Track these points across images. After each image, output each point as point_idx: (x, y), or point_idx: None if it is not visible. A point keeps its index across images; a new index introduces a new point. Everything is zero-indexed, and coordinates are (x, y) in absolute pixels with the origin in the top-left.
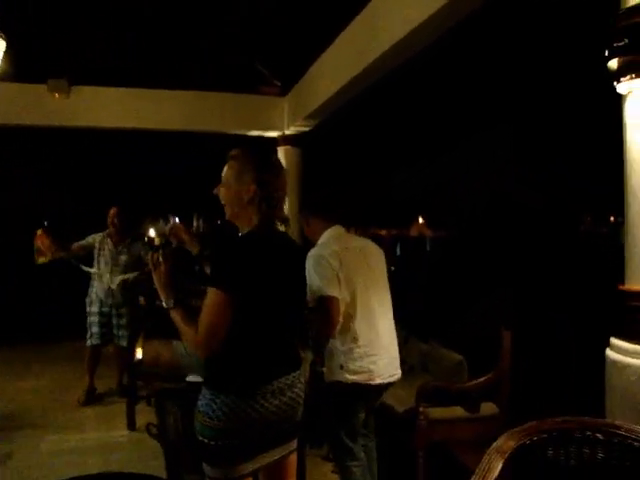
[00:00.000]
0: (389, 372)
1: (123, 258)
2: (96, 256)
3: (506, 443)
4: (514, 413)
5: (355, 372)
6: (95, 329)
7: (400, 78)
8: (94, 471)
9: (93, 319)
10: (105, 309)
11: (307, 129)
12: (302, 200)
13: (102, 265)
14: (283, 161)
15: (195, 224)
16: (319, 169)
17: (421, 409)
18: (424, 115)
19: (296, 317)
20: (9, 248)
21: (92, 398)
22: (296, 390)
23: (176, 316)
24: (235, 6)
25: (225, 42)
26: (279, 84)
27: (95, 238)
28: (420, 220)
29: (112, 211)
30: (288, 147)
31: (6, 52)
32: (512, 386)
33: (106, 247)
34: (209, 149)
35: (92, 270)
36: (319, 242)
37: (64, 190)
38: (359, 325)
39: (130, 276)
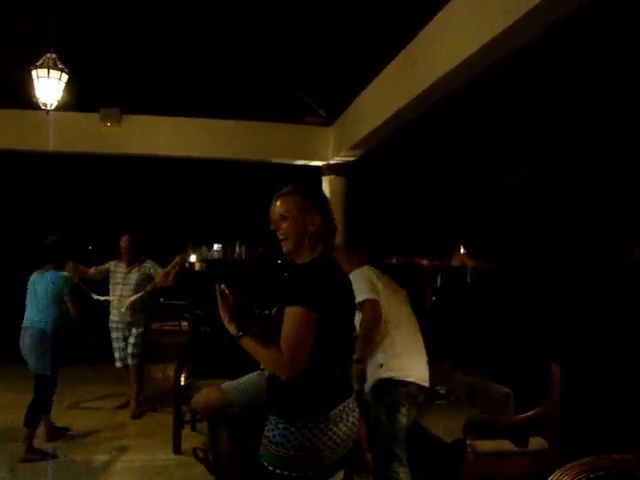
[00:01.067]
0: (422, 377)
1: (133, 277)
2: (111, 280)
3: (561, 479)
4: (564, 448)
5: (391, 369)
6: (117, 354)
7: (445, 109)
8: None
9: (115, 345)
10: (120, 335)
11: (352, 159)
12: (348, 235)
13: (115, 288)
14: (327, 190)
15: (237, 250)
16: (363, 198)
17: (469, 442)
18: (467, 145)
19: (351, 343)
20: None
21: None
22: (355, 414)
23: (249, 342)
24: (282, 38)
25: (272, 73)
26: (324, 114)
27: (111, 263)
28: (462, 250)
29: (123, 238)
30: (332, 176)
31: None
32: (562, 421)
33: (119, 269)
34: (251, 180)
35: (102, 298)
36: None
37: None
38: (397, 331)
39: (136, 297)
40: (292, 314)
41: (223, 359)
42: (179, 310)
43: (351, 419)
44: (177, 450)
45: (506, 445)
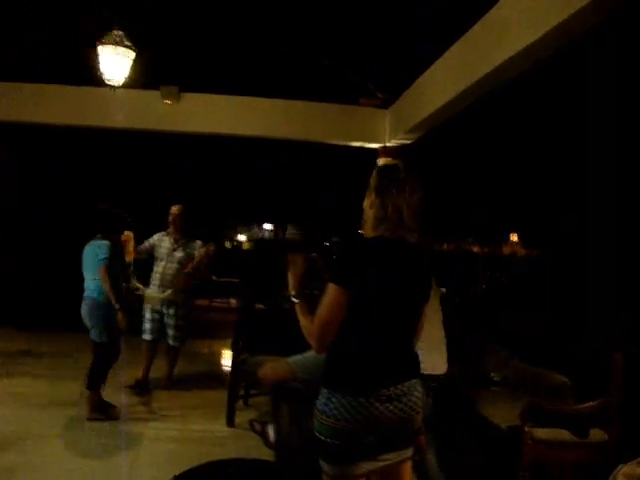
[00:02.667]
0: (434, 367)
1: (178, 255)
2: (154, 253)
3: (634, 470)
4: (625, 441)
5: None
6: (147, 325)
7: (505, 94)
8: (196, 461)
9: (148, 316)
10: (157, 307)
11: (408, 142)
12: None
13: (158, 262)
14: None
15: (289, 231)
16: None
17: (527, 429)
18: (525, 131)
19: (416, 325)
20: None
21: (144, 389)
22: (413, 398)
23: (299, 308)
24: (342, 19)
25: (331, 54)
26: (382, 96)
27: (155, 237)
28: (514, 238)
29: (175, 209)
30: (388, 159)
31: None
32: (624, 412)
33: (164, 244)
34: (305, 160)
35: (141, 289)
36: None
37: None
38: None
39: (169, 292)
40: (327, 291)
41: (276, 335)
42: (229, 287)
43: (406, 401)
44: (231, 423)
45: (564, 435)
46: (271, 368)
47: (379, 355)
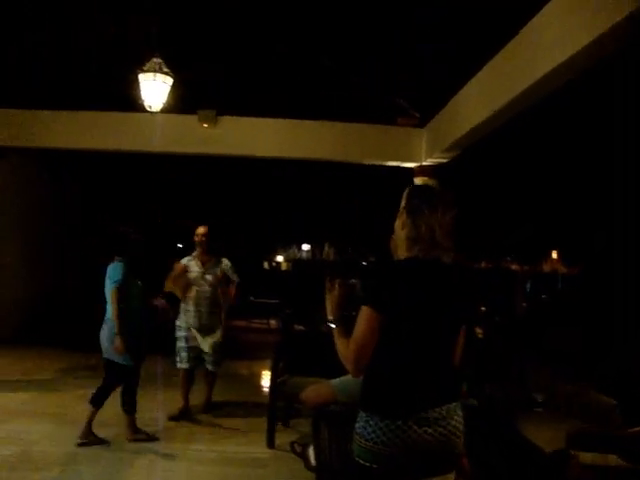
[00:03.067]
0: None
1: (208, 278)
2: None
3: None
4: None
5: None
6: (184, 354)
7: (542, 110)
8: None
9: (181, 345)
10: (193, 335)
11: (444, 160)
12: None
13: (190, 289)
14: None
15: (326, 250)
16: (457, 202)
17: (573, 453)
18: (564, 148)
19: (455, 347)
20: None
21: (185, 417)
22: (453, 422)
23: (337, 333)
24: (377, 39)
25: (366, 74)
26: (418, 115)
27: (183, 261)
28: (554, 255)
29: (201, 230)
30: (425, 178)
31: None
32: None
33: (193, 269)
34: (342, 181)
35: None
36: None
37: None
38: None
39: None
40: (361, 313)
41: (315, 356)
42: (268, 308)
43: (447, 425)
44: (271, 444)
45: (611, 460)
46: (313, 390)
47: (415, 378)
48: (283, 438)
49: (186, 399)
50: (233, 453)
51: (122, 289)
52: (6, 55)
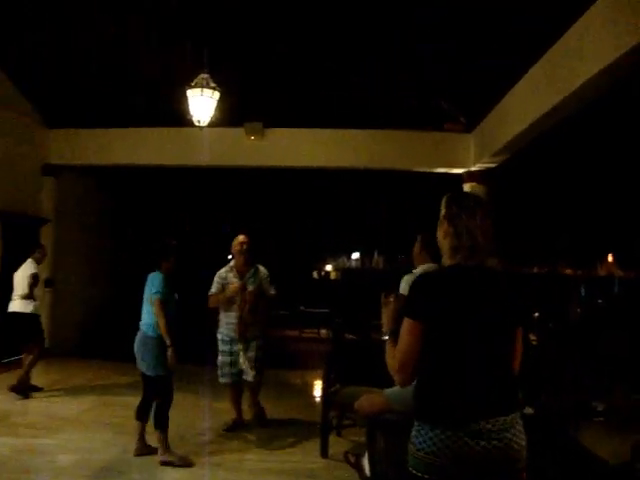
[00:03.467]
0: None
1: (250, 288)
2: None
3: None
4: None
5: None
6: (226, 369)
7: (591, 111)
8: None
9: (224, 359)
10: (235, 348)
11: (493, 165)
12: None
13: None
14: None
15: (375, 259)
16: (505, 206)
17: (639, 466)
18: (616, 149)
19: (511, 355)
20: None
21: (239, 428)
22: (508, 435)
23: (388, 344)
24: (421, 46)
25: (410, 81)
26: (464, 120)
27: (220, 275)
28: (609, 259)
29: (241, 238)
30: (474, 184)
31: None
32: None
33: (232, 280)
34: (391, 189)
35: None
36: (415, 270)
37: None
38: None
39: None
40: (403, 324)
41: (367, 366)
42: (318, 318)
43: (503, 438)
44: (324, 454)
45: None
46: (367, 400)
47: (465, 387)
48: (336, 448)
49: (238, 410)
50: (287, 463)
51: (164, 300)
52: (60, 77)
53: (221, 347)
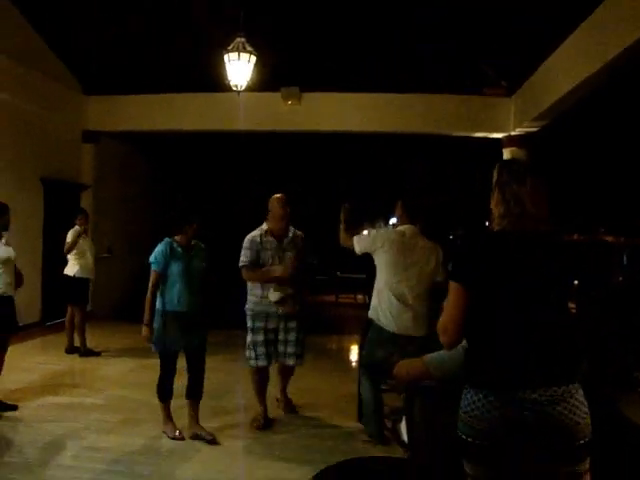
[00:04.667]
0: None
1: (289, 255)
2: (261, 260)
3: None
4: None
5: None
6: (261, 349)
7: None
8: (330, 458)
9: (258, 338)
10: (272, 325)
11: (534, 129)
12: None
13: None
14: None
15: None
16: (546, 171)
17: None
18: None
19: (565, 325)
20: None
21: (269, 425)
22: (559, 408)
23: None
24: (461, 8)
25: (449, 44)
26: (505, 84)
27: (254, 240)
28: None
29: (281, 197)
30: (514, 149)
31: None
32: None
33: (267, 245)
34: (427, 152)
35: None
36: (398, 229)
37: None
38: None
39: (289, 292)
40: (449, 288)
41: None
42: (354, 283)
43: (552, 411)
44: (361, 419)
45: None
46: (405, 366)
47: (504, 354)
48: None
49: (265, 402)
50: (325, 427)
51: (159, 270)
52: (98, 45)
53: (253, 323)
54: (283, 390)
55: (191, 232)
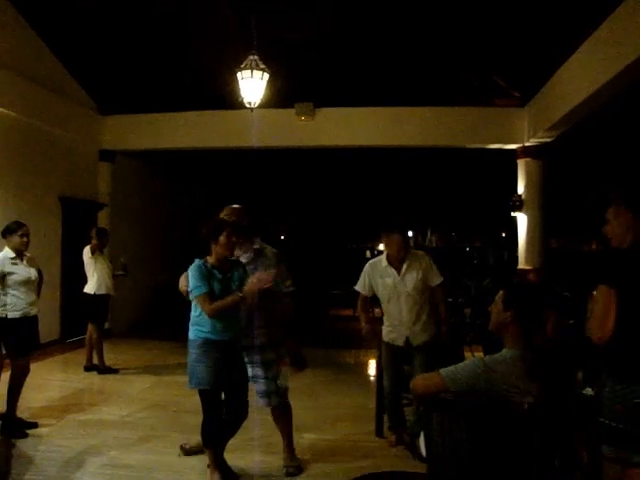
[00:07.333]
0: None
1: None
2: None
3: None
4: None
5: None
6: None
7: None
8: (348, 474)
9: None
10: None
11: (549, 140)
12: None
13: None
14: (523, 174)
15: (428, 237)
16: (562, 181)
17: None
18: None
19: None
20: None
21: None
22: None
23: None
24: (472, 19)
25: (461, 56)
26: (518, 95)
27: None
28: None
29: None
30: (528, 159)
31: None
32: None
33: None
34: (444, 167)
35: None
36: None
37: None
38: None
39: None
40: (599, 291)
41: None
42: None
43: None
44: (379, 433)
45: None
46: (423, 379)
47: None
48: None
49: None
50: (343, 442)
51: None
52: (112, 66)
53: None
54: (287, 442)
55: (228, 242)
